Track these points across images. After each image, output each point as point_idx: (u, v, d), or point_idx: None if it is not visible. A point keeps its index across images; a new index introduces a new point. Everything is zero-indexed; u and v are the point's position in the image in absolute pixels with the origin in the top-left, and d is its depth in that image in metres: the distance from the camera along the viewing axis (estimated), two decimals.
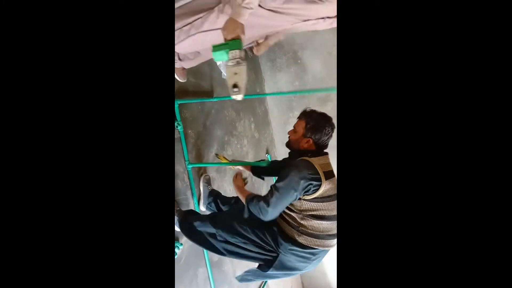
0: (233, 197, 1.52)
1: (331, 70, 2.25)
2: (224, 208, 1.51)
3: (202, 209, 1.61)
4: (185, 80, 1.60)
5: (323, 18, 0.87)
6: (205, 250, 1.61)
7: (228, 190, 1.92)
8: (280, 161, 1.40)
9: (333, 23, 0.89)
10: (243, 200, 1.15)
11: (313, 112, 1.16)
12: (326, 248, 1.06)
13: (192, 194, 1.59)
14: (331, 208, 1.03)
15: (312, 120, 1.11)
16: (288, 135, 1.22)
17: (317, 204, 1.02)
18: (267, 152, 2.57)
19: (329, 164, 1.10)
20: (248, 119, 2.32)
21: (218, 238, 1.15)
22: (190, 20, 0.88)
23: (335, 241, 1.06)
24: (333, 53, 2.20)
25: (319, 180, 1.00)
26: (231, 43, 0.70)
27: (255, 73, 2.47)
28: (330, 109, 2.35)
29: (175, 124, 1.54)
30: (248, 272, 1.19)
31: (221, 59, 0.73)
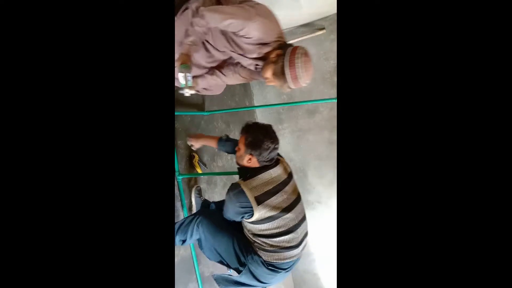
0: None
1: (318, 83, 2.33)
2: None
3: None
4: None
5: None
6: (196, 265, 1.56)
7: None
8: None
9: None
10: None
11: (252, 126, 1.07)
12: (287, 261, 1.04)
13: (182, 206, 1.56)
14: (275, 226, 1.01)
15: (250, 136, 1.03)
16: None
17: (259, 226, 1.01)
18: None
19: (268, 182, 1.02)
20: (238, 131, 2.34)
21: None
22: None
23: (295, 251, 1.04)
24: (319, 68, 2.29)
25: (250, 207, 0.99)
26: (182, 66, 1.03)
27: (244, 87, 2.52)
28: (319, 120, 2.42)
29: None
30: (222, 276, 1.17)
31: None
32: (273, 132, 1.06)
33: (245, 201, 0.99)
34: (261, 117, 2.66)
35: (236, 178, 1.57)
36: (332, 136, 2.38)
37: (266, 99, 2.55)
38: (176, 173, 1.56)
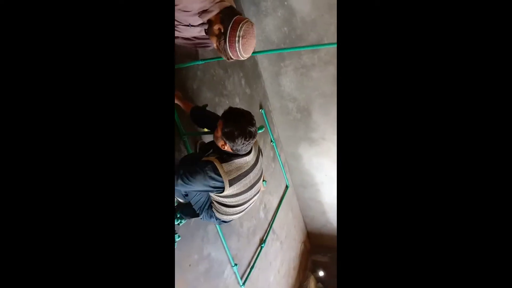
0: None
1: (322, 11, 2.03)
2: None
3: None
4: None
5: None
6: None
7: None
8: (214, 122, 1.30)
9: None
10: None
11: (230, 117, 1.06)
12: (228, 220, 1.35)
13: None
14: (232, 201, 1.20)
15: (227, 127, 1.04)
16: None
17: (221, 199, 1.20)
18: (261, 107, 2.52)
19: (242, 167, 1.13)
20: (238, 75, 2.20)
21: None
22: None
23: (236, 216, 1.33)
24: None
25: (222, 187, 1.11)
26: None
27: None
28: (323, 55, 2.21)
29: None
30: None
31: None
32: (251, 126, 1.05)
33: (219, 182, 1.10)
34: (261, 55, 2.44)
35: None
36: None
37: (265, 33, 2.29)
38: (180, 133, 1.56)
